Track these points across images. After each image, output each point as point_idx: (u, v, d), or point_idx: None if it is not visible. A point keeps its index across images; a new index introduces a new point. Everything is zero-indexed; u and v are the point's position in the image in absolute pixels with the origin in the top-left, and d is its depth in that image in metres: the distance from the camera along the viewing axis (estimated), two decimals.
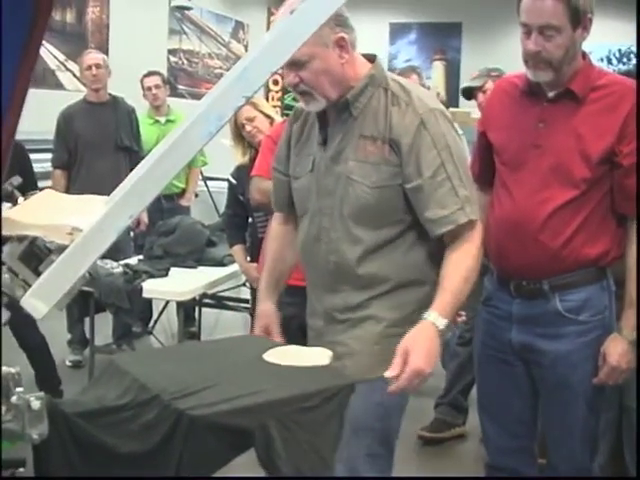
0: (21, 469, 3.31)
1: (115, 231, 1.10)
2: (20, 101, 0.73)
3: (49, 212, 1.31)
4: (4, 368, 1.43)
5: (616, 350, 2.32)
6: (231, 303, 5.47)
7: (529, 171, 2.35)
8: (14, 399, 1.40)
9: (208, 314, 5.60)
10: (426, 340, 1.90)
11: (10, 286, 1.31)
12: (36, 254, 1.29)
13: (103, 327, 4.98)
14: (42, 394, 1.43)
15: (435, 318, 1.94)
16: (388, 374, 1.83)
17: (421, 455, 4.03)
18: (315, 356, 1.95)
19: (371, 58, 2.17)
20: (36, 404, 1.42)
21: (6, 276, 1.31)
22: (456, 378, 4.17)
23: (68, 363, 5.10)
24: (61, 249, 1.25)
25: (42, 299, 1.15)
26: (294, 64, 2.03)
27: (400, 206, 2.08)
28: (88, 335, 5.06)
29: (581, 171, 2.29)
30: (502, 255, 2.42)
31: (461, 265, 2.03)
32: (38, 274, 1.27)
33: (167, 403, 1.56)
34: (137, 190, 1.09)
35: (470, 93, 4.23)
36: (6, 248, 1.28)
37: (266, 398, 1.62)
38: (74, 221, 1.22)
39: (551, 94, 2.34)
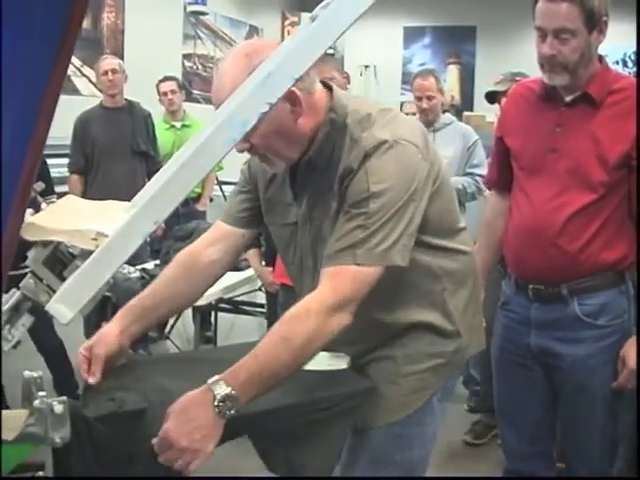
0: (40, 472, 3.33)
1: (140, 236, 1.11)
2: (50, 114, 0.74)
3: (73, 218, 1.32)
4: (26, 372, 1.44)
5: (634, 353, 2.31)
6: (247, 307, 5.48)
7: (547, 175, 2.34)
8: (37, 403, 1.42)
9: (224, 319, 5.61)
10: (193, 406, 1.52)
11: (34, 291, 1.33)
12: (60, 259, 1.31)
13: None
14: (65, 398, 1.45)
15: (216, 384, 1.52)
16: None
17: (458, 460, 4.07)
18: (333, 360, 1.94)
19: (328, 87, 1.87)
20: (59, 408, 1.43)
21: (30, 281, 1.33)
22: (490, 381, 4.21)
23: None
24: (85, 254, 1.26)
25: (67, 304, 1.16)
26: None
27: None
28: None
29: (599, 175, 2.28)
30: (520, 260, 2.41)
31: (290, 327, 1.63)
32: (62, 279, 1.28)
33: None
34: (162, 196, 1.10)
35: (493, 97, 4.22)
36: (31, 253, 1.29)
37: (282, 403, 1.63)
38: (98, 226, 1.23)
39: (568, 98, 2.33)
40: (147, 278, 4.08)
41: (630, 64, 11.49)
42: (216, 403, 1.50)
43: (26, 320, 1.40)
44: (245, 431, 1.62)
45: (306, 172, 1.87)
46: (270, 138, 1.75)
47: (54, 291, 1.29)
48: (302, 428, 1.61)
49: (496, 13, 11.74)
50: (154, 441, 1.50)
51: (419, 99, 4.66)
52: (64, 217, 1.30)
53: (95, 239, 1.21)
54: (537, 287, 2.39)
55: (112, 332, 1.85)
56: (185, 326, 5.52)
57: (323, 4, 1.57)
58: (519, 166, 2.44)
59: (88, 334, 5.24)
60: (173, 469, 1.50)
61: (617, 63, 11.48)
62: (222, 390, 1.50)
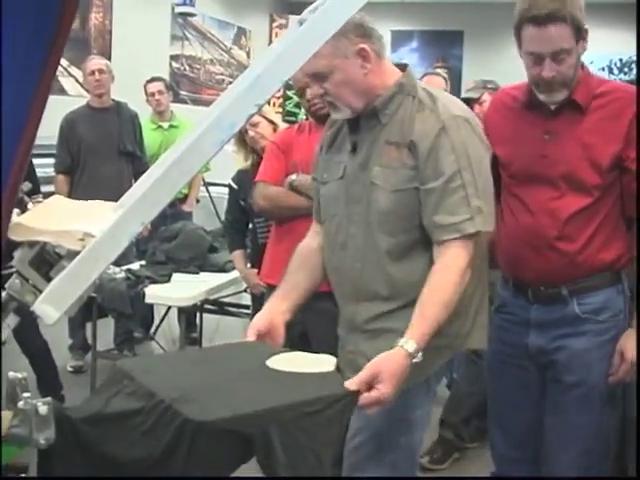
0: (23, 475, 3.31)
1: (127, 237, 1.11)
2: (38, 115, 0.74)
3: (59, 218, 1.32)
4: (11, 373, 1.44)
5: (633, 345, 2.35)
6: (232, 309, 5.48)
7: (540, 181, 2.37)
8: (21, 404, 1.41)
9: (208, 320, 5.60)
10: (399, 369, 1.83)
11: (20, 291, 1.32)
12: (46, 260, 1.30)
13: (104, 332, 4.98)
14: (49, 399, 1.44)
15: (411, 347, 1.86)
16: (349, 385, 1.75)
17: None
18: (319, 363, 1.94)
19: (402, 67, 2.16)
20: (43, 409, 1.42)
21: (16, 281, 1.32)
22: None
23: (69, 368, 5.10)
24: (71, 255, 1.26)
25: (53, 305, 1.16)
26: (316, 76, 2.06)
27: (416, 211, 2.05)
28: (89, 340, 5.08)
29: (592, 179, 2.31)
30: (518, 263, 2.43)
31: (444, 289, 1.96)
32: (49, 279, 1.27)
33: (172, 409, 1.55)
34: (149, 197, 1.10)
35: (467, 104, 4.24)
36: (17, 253, 1.29)
37: (268, 405, 1.62)
38: (85, 227, 1.23)
39: (553, 106, 2.36)
40: (132, 279, 4.08)
41: (616, 71, 11.57)
42: (410, 361, 1.85)
43: (11, 320, 1.39)
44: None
45: (369, 124, 2.11)
46: (341, 87, 2.05)
47: (40, 291, 1.28)
48: (291, 433, 1.61)
49: (483, 17, 11.78)
50: (364, 397, 1.76)
51: None
52: (51, 217, 1.30)
53: (82, 239, 1.21)
54: (537, 289, 2.42)
55: (263, 310, 2.17)
56: (170, 327, 5.51)
57: (311, 8, 1.58)
58: (509, 174, 2.45)
59: (73, 335, 5.24)
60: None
61: (603, 70, 11.55)
62: (415, 350, 1.85)
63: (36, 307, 1.19)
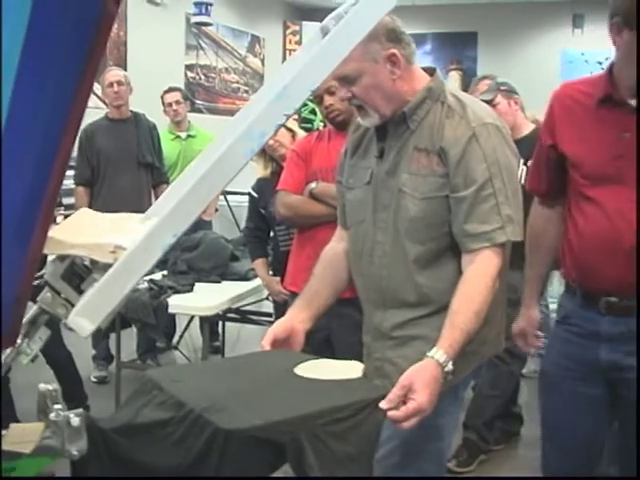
0: None
1: (160, 249, 1.11)
2: (75, 128, 0.75)
3: (89, 231, 1.33)
4: (42, 385, 1.45)
5: None
6: (254, 317, 5.49)
7: (617, 183, 2.23)
8: (52, 416, 1.42)
9: (230, 328, 5.62)
10: (431, 379, 1.79)
11: (51, 304, 1.33)
12: (77, 273, 1.31)
13: (127, 343, 5.00)
14: (81, 410, 1.45)
15: (441, 357, 1.83)
16: (384, 405, 1.71)
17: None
18: (347, 369, 1.95)
19: (430, 72, 2.15)
20: (75, 420, 1.44)
21: (48, 294, 1.33)
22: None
23: (93, 379, 5.14)
24: (102, 267, 1.27)
25: (88, 317, 1.16)
26: (345, 79, 2.04)
27: (446, 219, 2.03)
28: (112, 351, 5.11)
29: None
30: (590, 272, 2.29)
31: (474, 298, 1.94)
32: (80, 292, 1.28)
33: (202, 418, 1.56)
34: (182, 208, 1.11)
35: None
36: (48, 267, 1.30)
37: (298, 412, 1.62)
38: (116, 239, 1.23)
39: (633, 102, 2.21)
40: (155, 289, 4.09)
41: None
42: (444, 375, 1.82)
43: (43, 333, 1.40)
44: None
45: (397, 131, 2.10)
46: (369, 91, 2.03)
47: (72, 304, 1.29)
48: (323, 439, 1.61)
49: (496, 19, 11.78)
50: (401, 411, 1.73)
51: None
52: (81, 231, 1.31)
53: (114, 252, 1.21)
54: (611, 300, 2.26)
55: (284, 318, 2.18)
56: (192, 336, 5.53)
57: (334, 15, 1.58)
58: (581, 174, 2.31)
59: (96, 345, 5.27)
60: None
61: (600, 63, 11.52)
62: (448, 363, 1.83)
63: (70, 320, 1.20)
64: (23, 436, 1.44)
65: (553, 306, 6.30)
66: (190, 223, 1.13)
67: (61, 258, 1.29)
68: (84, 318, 1.17)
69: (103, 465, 1.55)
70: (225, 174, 1.13)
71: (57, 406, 1.45)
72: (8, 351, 1.32)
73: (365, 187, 2.17)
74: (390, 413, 1.71)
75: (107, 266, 1.25)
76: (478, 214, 1.97)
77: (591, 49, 11.53)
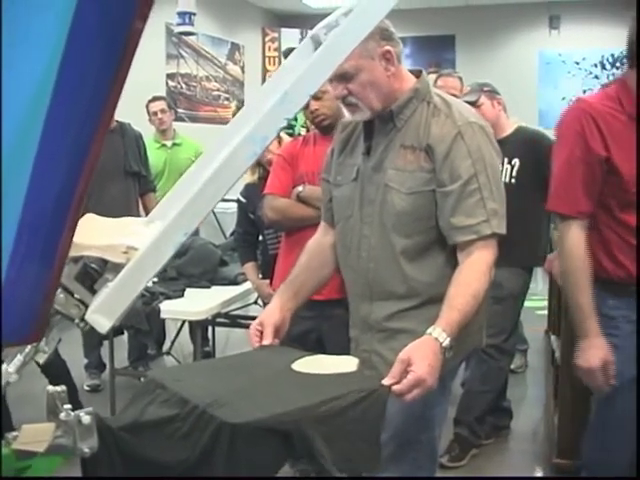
0: None
1: (172, 248, 1.18)
2: (102, 135, 0.82)
3: (100, 233, 1.39)
4: (50, 387, 1.50)
5: None
6: (243, 321, 5.53)
7: None
8: (63, 415, 1.47)
9: (219, 333, 5.67)
10: (429, 352, 1.85)
11: (65, 305, 1.39)
12: (90, 274, 1.37)
13: (118, 351, 5.03)
14: (91, 409, 1.50)
15: (439, 334, 1.89)
16: (386, 381, 1.78)
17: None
18: (342, 364, 2.00)
19: (417, 74, 2.23)
20: (86, 419, 1.48)
21: (61, 295, 1.39)
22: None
23: (86, 387, 5.17)
24: (114, 268, 1.33)
25: (105, 314, 1.23)
26: (342, 77, 2.10)
27: (433, 213, 2.11)
28: (104, 359, 5.14)
29: None
30: None
31: (471, 282, 2.02)
32: (93, 292, 1.34)
33: (207, 414, 1.60)
34: (191, 209, 1.17)
35: None
36: (64, 270, 1.35)
37: (300, 404, 1.68)
38: (128, 240, 1.30)
39: None
40: (147, 295, 4.14)
41: (608, 66, 11.65)
42: (443, 350, 1.88)
43: (55, 335, 1.46)
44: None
45: (384, 128, 2.17)
46: (366, 87, 2.10)
47: (85, 305, 1.35)
48: (328, 424, 1.66)
49: (474, 21, 11.89)
50: (401, 384, 1.78)
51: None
52: (91, 233, 1.37)
53: (126, 252, 1.28)
54: None
55: (274, 308, 2.21)
56: (181, 343, 5.58)
57: (324, 24, 1.65)
58: (631, 190, 2.38)
59: (88, 354, 5.31)
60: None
61: (595, 66, 11.65)
62: (445, 339, 1.89)
63: (89, 317, 1.26)
64: (35, 436, 1.48)
65: (538, 303, 6.41)
66: (199, 223, 1.20)
67: (75, 260, 1.35)
68: (102, 315, 1.23)
69: (113, 462, 1.59)
70: (230, 176, 1.19)
71: (67, 406, 1.49)
72: (27, 349, 1.37)
73: (352, 183, 2.24)
74: (394, 387, 1.77)
75: (118, 266, 1.31)
76: (464, 208, 2.05)
77: (568, 49, 11.67)
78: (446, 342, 1.89)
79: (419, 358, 1.82)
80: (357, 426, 1.70)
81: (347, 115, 2.23)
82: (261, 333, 2.14)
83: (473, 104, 4.20)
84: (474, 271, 2.04)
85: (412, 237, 2.13)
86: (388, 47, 2.12)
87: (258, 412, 1.61)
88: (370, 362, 2.15)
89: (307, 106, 3.31)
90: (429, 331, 1.91)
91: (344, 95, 2.13)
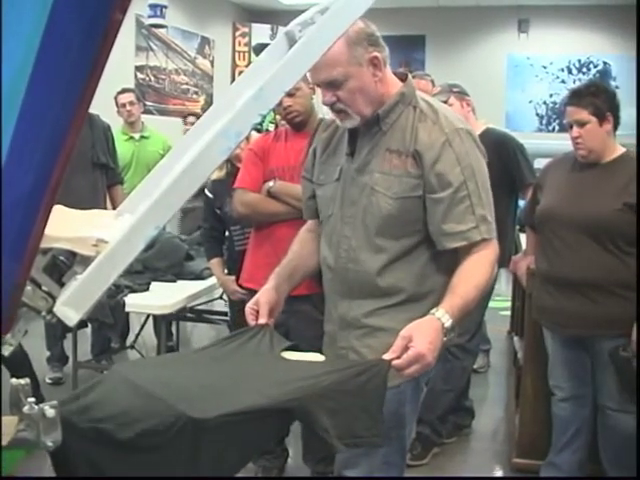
0: None
1: (143, 241, 1.17)
2: (80, 124, 0.81)
3: (69, 225, 1.38)
4: (13, 380, 1.48)
5: None
6: (208, 316, 5.52)
7: None
8: (26, 409, 1.45)
9: (182, 327, 5.66)
10: (430, 330, 1.90)
11: (32, 297, 1.37)
12: (58, 266, 1.35)
13: (81, 344, 5.01)
14: (56, 402, 1.48)
15: (442, 315, 1.94)
16: (387, 356, 1.83)
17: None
18: (314, 358, 2.00)
19: (402, 77, 2.24)
20: (51, 412, 1.46)
21: (28, 288, 1.37)
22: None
23: (48, 380, 5.12)
24: (83, 260, 1.32)
25: (74, 307, 1.21)
26: (332, 84, 2.10)
27: (420, 217, 2.13)
28: (67, 351, 5.10)
29: None
30: None
31: (474, 274, 2.07)
32: (61, 285, 1.33)
33: (175, 408, 1.58)
34: (162, 202, 1.17)
35: None
36: None
37: (301, 382, 1.68)
38: (98, 233, 1.29)
39: None
40: (112, 288, 4.11)
41: (575, 71, 11.77)
42: (444, 330, 1.92)
43: (22, 326, 1.44)
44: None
45: (369, 131, 2.18)
46: (354, 94, 2.10)
47: (52, 297, 1.33)
48: (331, 398, 1.68)
49: (444, 22, 11.95)
50: (402, 359, 1.83)
51: None
52: (60, 225, 1.35)
53: (96, 245, 1.27)
54: None
55: (270, 288, 2.24)
56: (144, 337, 5.56)
57: (298, 21, 1.65)
58: None
59: (50, 347, 5.26)
60: None
61: (562, 70, 11.77)
62: (447, 320, 1.93)
63: (57, 309, 1.25)
64: None
65: (501, 304, 6.47)
66: (170, 216, 1.20)
67: (43, 252, 1.33)
68: (70, 308, 1.22)
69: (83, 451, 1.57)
70: (203, 171, 1.19)
71: (30, 399, 1.47)
72: None
73: (334, 183, 2.26)
74: (394, 362, 1.82)
75: (87, 259, 1.30)
76: (455, 215, 2.08)
77: (536, 53, 11.78)
78: (448, 323, 1.93)
79: (421, 335, 1.86)
80: (358, 399, 1.73)
81: (338, 122, 2.22)
82: (257, 312, 2.16)
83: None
84: (477, 265, 2.08)
85: (399, 239, 2.15)
86: (375, 53, 2.12)
87: (261, 399, 1.60)
88: (348, 359, 2.16)
89: (280, 102, 3.31)
90: (432, 311, 1.96)
91: (333, 102, 2.13)
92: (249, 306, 2.19)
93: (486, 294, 4.16)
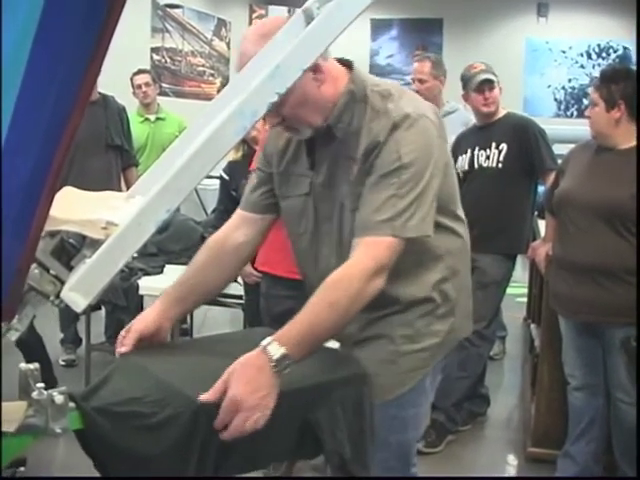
0: (22, 468, 3.32)
1: (154, 225, 1.13)
2: (84, 105, 0.77)
3: (79, 208, 1.34)
4: (22, 365, 1.46)
5: None
6: (222, 299, 5.48)
7: None
8: (35, 394, 1.43)
9: (196, 310, 5.62)
10: (247, 368, 1.58)
11: (39, 281, 1.34)
12: (67, 249, 1.32)
13: (95, 326, 4.99)
14: (65, 388, 1.46)
15: (270, 344, 1.61)
16: (203, 397, 1.54)
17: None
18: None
19: (347, 64, 1.99)
20: (59, 398, 1.44)
21: (35, 271, 1.34)
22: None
23: (61, 362, 5.11)
24: (92, 244, 1.28)
25: (82, 293, 1.18)
26: (272, 105, 1.77)
27: None
28: (80, 334, 5.09)
29: None
30: None
31: (337, 287, 1.75)
32: (70, 269, 1.30)
33: (186, 396, 1.56)
34: (174, 184, 1.12)
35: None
36: (40, 244, 1.30)
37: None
38: (107, 216, 1.25)
39: None
40: (126, 271, 4.09)
41: (594, 56, 11.65)
42: (273, 363, 1.59)
43: (29, 311, 1.41)
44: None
45: (324, 141, 1.96)
46: (298, 108, 1.85)
47: (61, 281, 1.30)
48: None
49: (463, 6, 11.83)
50: (203, 398, 1.54)
51: (413, 81, 4.91)
52: (71, 207, 1.32)
53: (105, 228, 1.23)
54: None
55: (150, 313, 1.94)
56: None
57: None
58: None
59: (64, 329, 5.25)
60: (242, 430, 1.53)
61: (582, 55, 11.64)
62: (277, 351, 1.60)
63: (64, 295, 1.21)
64: (5, 415, 1.44)
65: (517, 290, 6.42)
66: (182, 199, 1.15)
67: (51, 234, 1.30)
68: (78, 293, 1.18)
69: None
70: (217, 151, 1.15)
71: (39, 385, 1.45)
72: None
73: (304, 197, 2.05)
74: (215, 423, 1.56)
75: (97, 242, 1.26)
76: (372, 201, 1.84)
77: (555, 38, 11.65)
78: (278, 354, 1.61)
79: (235, 377, 1.57)
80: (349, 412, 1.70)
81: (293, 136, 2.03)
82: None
83: (491, 83, 4.22)
84: (348, 274, 1.77)
85: None
86: None
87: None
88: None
89: None
90: (263, 342, 1.64)
91: (278, 122, 1.92)
92: (121, 333, 1.89)
93: (503, 281, 4.13)
